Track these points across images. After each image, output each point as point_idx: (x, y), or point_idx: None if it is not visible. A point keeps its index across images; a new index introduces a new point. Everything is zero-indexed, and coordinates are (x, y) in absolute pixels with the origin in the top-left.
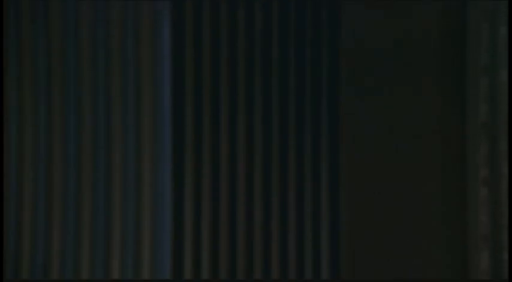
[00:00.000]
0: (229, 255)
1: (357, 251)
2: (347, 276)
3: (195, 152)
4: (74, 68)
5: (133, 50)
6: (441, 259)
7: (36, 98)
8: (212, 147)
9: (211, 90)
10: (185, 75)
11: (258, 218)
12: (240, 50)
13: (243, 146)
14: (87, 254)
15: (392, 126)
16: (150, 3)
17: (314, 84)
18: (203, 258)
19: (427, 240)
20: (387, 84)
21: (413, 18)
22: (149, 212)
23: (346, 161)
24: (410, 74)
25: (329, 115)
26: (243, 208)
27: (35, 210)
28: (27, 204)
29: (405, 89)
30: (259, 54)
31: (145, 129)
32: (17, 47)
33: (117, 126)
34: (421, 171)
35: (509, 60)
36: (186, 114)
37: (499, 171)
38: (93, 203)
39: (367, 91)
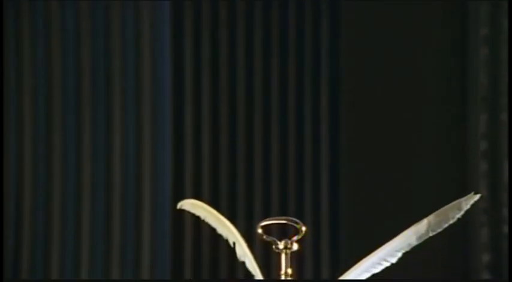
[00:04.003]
0: (229, 255)
1: (357, 250)
2: None
3: (195, 151)
4: (74, 68)
5: (133, 50)
6: (441, 259)
7: (35, 98)
8: (212, 147)
9: (211, 90)
10: (185, 75)
11: (258, 218)
12: (240, 50)
13: (243, 145)
14: (87, 254)
15: (392, 126)
16: (150, 3)
17: (314, 84)
18: (203, 258)
19: (427, 240)
20: (387, 84)
21: (413, 19)
22: (149, 212)
23: (346, 161)
24: (410, 74)
25: (329, 115)
26: (243, 208)
27: (35, 210)
28: (27, 204)
29: (405, 88)
30: (259, 53)
31: (146, 129)
32: (17, 47)
33: (117, 126)
34: (421, 170)
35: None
36: (186, 114)
37: (499, 166)
38: (93, 203)
39: (367, 92)
